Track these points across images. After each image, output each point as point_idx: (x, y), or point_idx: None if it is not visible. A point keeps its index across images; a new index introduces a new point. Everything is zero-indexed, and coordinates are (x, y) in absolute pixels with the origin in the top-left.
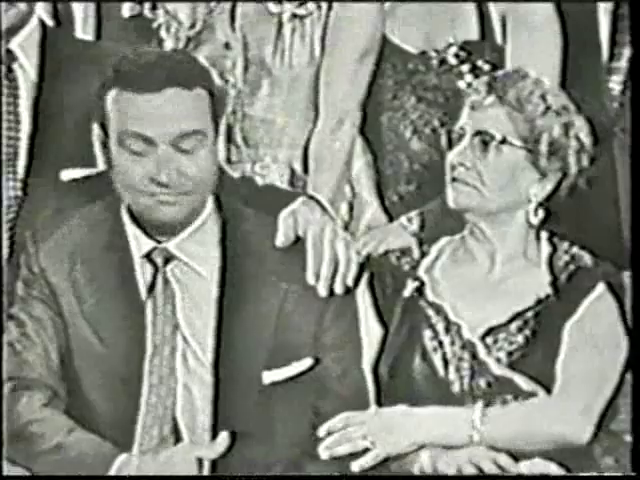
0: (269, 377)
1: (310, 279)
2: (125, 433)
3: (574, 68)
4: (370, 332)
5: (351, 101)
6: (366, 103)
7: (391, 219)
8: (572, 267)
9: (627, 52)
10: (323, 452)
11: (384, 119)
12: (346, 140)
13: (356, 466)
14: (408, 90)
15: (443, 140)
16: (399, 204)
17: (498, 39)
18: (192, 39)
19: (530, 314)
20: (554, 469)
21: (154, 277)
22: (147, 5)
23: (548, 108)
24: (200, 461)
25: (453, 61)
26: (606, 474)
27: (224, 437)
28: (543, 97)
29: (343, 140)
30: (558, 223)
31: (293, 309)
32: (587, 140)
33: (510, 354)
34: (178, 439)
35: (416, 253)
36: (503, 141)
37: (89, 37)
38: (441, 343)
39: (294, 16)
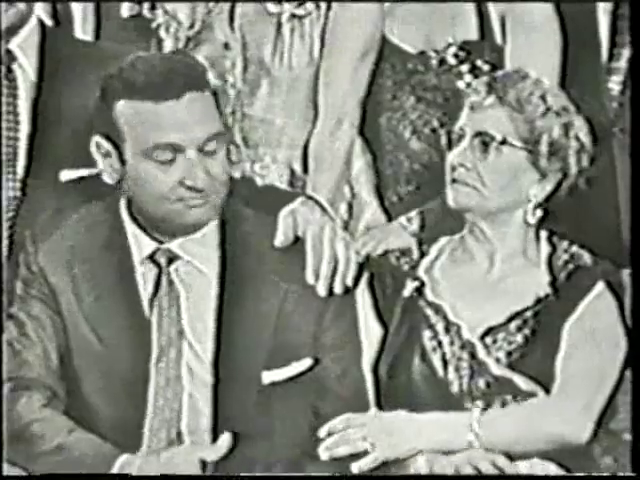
0: (269, 377)
1: (309, 279)
2: (126, 434)
3: (573, 68)
4: (370, 332)
5: (350, 101)
6: (365, 103)
7: (390, 219)
8: (571, 266)
9: (626, 52)
10: (323, 453)
11: (383, 119)
12: (345, 140)
13: (355, 468)
14: (407, 90)
15: (443, 140)
16: (398, 204)
17: (497, 39)
18: (191, 39)
19: (529, 314)
20: (553, 469)
21: (158, 278)
22: (146, 5)
23: (548, 109)
24: (204, 462)
25: (452, 61)
26: (606, 474)
27: (226, 438)
28: (543, 98)
29: (342, 140)
30: (557, 222)
31: (293, 309)
32: (587, 140)
33: (509, 354)
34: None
35: (415, 253)
36: (503, 142)
37: (88, 37)
38: (440, 343)
39: (293, 16)
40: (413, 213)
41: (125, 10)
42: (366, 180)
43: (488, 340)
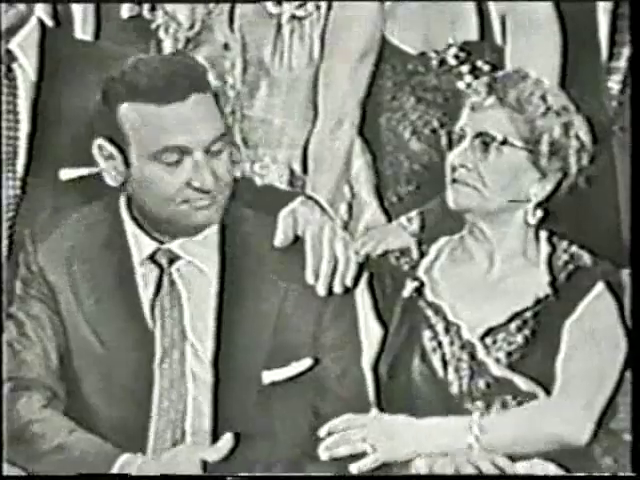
0: (268, 377)
1: (309, 279)
2: (126, 435)
3: (573, 68)
4: (369, 332)
5: (350, 102)
6: (365, 104)
7: (390, 219)
8: (571, 266)
9: (626, 52)
10: (323, 453)
11: (383, 120)
12: (345, 140)
13: (354, 468)
14: (407, 91)
15: (443, 141)
16: (398, 204)
17: (498, 39)
18: (191, 40)
19: (529, 314)
20: (553, 469)
21: (160, 279)
22: (146, 6)
23: (548, 109)
24: (204, 463)
25: (453, 62)
26: (606, 474)
27: (228, 439)
28: (543, 98)
29: (342, 140)
30: (557, 222)
31: (292, 309)
32: (587, 139)
33: (509, 354)
34: None
35: (415, 253)
36: (504, 142)
37: (88, 37)
38: (440, 343)
39: (293, 17)
40: (413, 213)
41: (125, 11)
42: (366, 180)
43: (488, 340)
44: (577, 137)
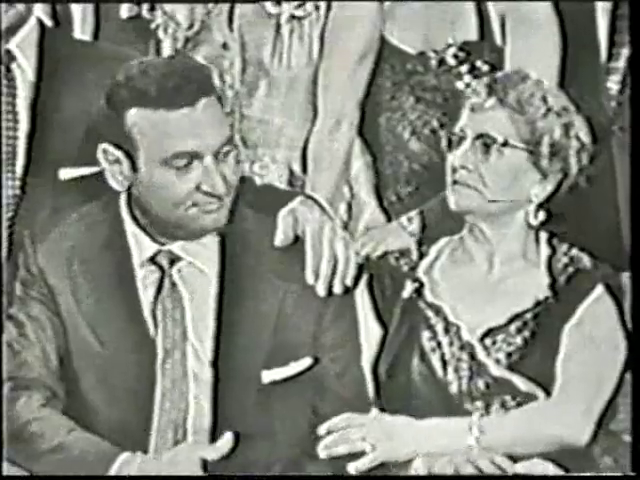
0: (268, 376)
1: (309, 279)
2: (126, 435)
3: (573, 68)
4: (369, 333)
5: (349, 102)
6: (365, 104)
7: (390, 219)
8: (571, 269)
9: (625, 52)
10: (322, 451)
11: (383, 120)
12: (344, 140)
13: (352, 468)
14: (407, 91)
15: (443, 142)
16: (398, 204)
17: (497, 40)
18: (190, 40)
19: (529, 315)
20: (552, 469)
21: (161, 280)
22: (145, 6)
23: (549, 110)
24: (204, 462)
25: (452, 62)
26: (605, 474)
27: (228, 438)
28: (544, 99)
29: (342, 140)
30: (557, 223)
31: (292, 309)
32: (587, 139)
33: (509, 355)
34: None
35: (415, 254)
36: (505, 144)
37: (87, 38)
38: (440, 344)
39: (292, 17)
40: (413, 213)
41: (124, 11)
42: (365, 180)
43: (487, 341)
44: (577, 138)
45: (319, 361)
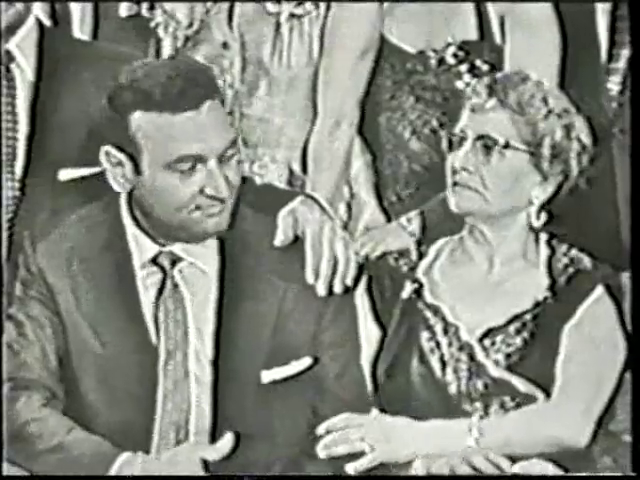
0: (268, 376)
1: (309, 278)
2: (128, 436)
3: (572, 68)
4: (368, 334)
5: (349, 101)
6: (364, 103)
7: (389, 219)
8: (571, 270)
9: (625, 53)
10: (321, 451)
11: (382, 119)
12: (344, 140)
13: (351, 468)
14: (406, 90)
15: (444, 142)
16: (398, 204)
17: (497, 39)
18: (190, 38)
19: (528, 316)
20: (552, 469)
21: (163, 281)
22: (145, 5)
23: (550, 111)
24: (205, 462)
25: (451, 61)
26: (604, 474)
27: (228, 438)
28: (545, 100)
29: (341, 140)
30: (556, 224)
31: (292, 308)
32: (588, 141)
33: (508, 356)
34: None
35: (414, 254)
36: (506, 145)
37: (86, 37)
38: (439, 344)
39: (292, 16)
40: (413, 213)
41: (124, 10)
42: (365, 180)
43: (487, 342)
44: (578, 139)
45: (319, 361)
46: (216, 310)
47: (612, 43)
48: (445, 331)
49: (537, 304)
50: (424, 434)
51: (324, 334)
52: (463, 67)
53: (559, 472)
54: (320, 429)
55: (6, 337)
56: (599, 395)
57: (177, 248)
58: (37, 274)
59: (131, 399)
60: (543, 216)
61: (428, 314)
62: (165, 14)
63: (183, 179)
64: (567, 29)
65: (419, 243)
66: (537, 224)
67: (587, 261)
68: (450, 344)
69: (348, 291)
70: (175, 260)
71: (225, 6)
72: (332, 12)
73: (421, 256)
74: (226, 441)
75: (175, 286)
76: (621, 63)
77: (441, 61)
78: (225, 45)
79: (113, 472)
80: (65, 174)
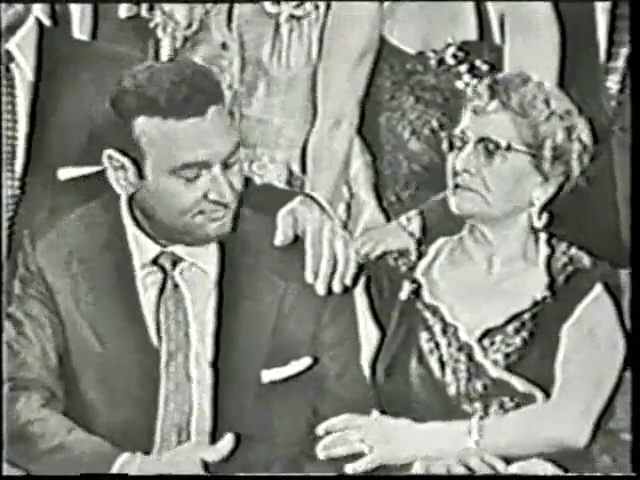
0: (268, 376)
1: (309, 278)
2: (129, 436)
3: (572, 67)
4: (367, 334)
5: (349, 101)
6: (364, 103)
7: (389, 219)
8: (570, 269)
9: (624, 51)
10: (320, 452)
11: (382, 119)
12: (344, 140)
13: (350, 469)
14: (406, 90)
15: (444, 144)
16: (397, 204)
17: (496, 39)
18: (189, 39)
19: (527, 316)
20: (551, 469)
21: (164, 282)
22: (144, 5)
23: (552, 113)
24: (205, 463)
25: (451, 61)
26: (604, 474)
27: (228, 439)
28: (546, 102)
29: (341, 140)
30: (556, 223)
31: (292, 308)
32: (589, 141)
33: (507, 356)
34: None
35: (413, 254)
36: (508, 148)
37: (86, 37)
38: (438, 345)
39: (291, 17)
40: (413, 213)
41: (123, 10)
42: (365, 180)
43: (486, 342)
44: (580, 140)
45: (319, 360)
46: (216, 310)
47: (611, 42)
48: (444, 331)
49: (536, 303)
50: (424, 436)
51: (324, 334)
52: (463, 67)
53: (559, 472)
54: (320, 430)
55: (5, 336)
56: (599, 395)
57: (178, 249)
58: (36, 273)
59: (131, 399)
60: (544, 217)
61: (427, 314)
62: (164, 15)
63: (187, 185)
64: (566, 28)
65: (419, 243)
66: (538, 225)
67: (586, 259)
68: (449, 344)
69: (348, 290)
70: (176, 261)
71: (224, 7)
72: (331, 13)
73: (420, 256)
74: (226, 442)
75: (176, 287)
76: (620, 62)
77: (441, 61)
78: (224, 46)
79: (113, 472)
80: (65, 173)
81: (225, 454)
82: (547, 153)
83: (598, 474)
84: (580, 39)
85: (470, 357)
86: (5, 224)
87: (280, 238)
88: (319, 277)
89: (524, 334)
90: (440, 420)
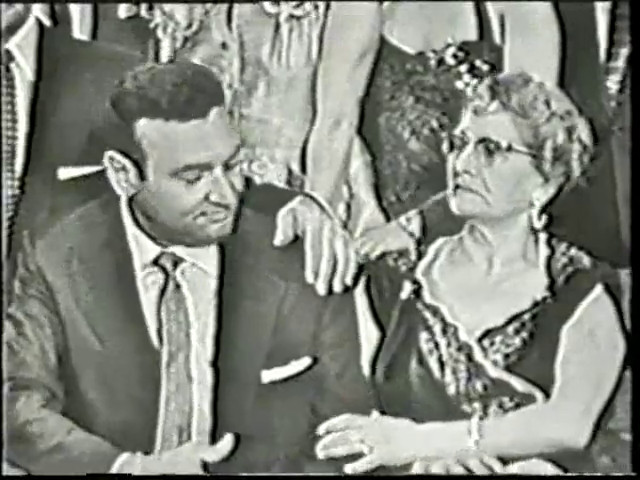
0: (268, 376)
1: (309, 278)
2: (128, 438)
3: (572, 67)
4: (367, 334)
5: (349, 101)
6: (364, 103)
7: (389, 219)
8: (570, 269)
9: (624, 51)
10: (320, 452)
11: (382, 119)
12: (344, 140)
13: (349, 469)
14: (406, 90)
15: (444, 144)
16: (397, 204)
17: (496, 39)
18: (189, 39)
19: (527, 316)
20: (551, 469)
21: (165, 283)
22: (144, 6)
23: (553, 114)
24: (205, 463)
25: (451, 61)
26: (604, 474)
27: (228, 439)
28: (547, 102)
29: (341, 140)
30: (556, 223)
31: (292, 308)
32: (589, 141)
33: (507, 356)
34: None
35: (413, 254)
36: (509, 148)
37: (86, 37)
38: (437, 345)
39: (291, 16)
40: (412, 213)
41: (123, 11)
42: (364, 180)
43: (485, 342)
44: (580, 141)
45: (319, 360)
46: (216, 310)
47: (611, 42)
48: (444, 332)
49: (536, 304)
50: (423, 436)
51: (324, 334)
52: (463, 67)
53: (559, 472)
54: (320, 430)
55: (5, 336)
56: (598, 395)
57: (179, 249)
58: (36, 272)
59: (131, 399)
60: (544, 218)
61: (427, 315)
62: (164, 15)
63: (188, 186)
64: (566, 28)
65: (419, 243)
66: (539, 226)
67: (586, 260)
68: (449, 345)
69: (348, 290)
70: (177, 261)
71: (224, 7)
72: (331, 13)
73: (420, 256)
74: (226, 442)
75: (177, 287)
76: (620, 62)
77: (441, 61)
78: (224, 45)
79: (113, 472)
80: (65, 173)
81: (225, 454)
82: (548, 154)
83: (598, 474)
84: (580, 39)
85: (470, 357)
86: (5, 224)
87: (280, 238)
88: (319, 277)
89: (524, 334)
90: (440, 420)
